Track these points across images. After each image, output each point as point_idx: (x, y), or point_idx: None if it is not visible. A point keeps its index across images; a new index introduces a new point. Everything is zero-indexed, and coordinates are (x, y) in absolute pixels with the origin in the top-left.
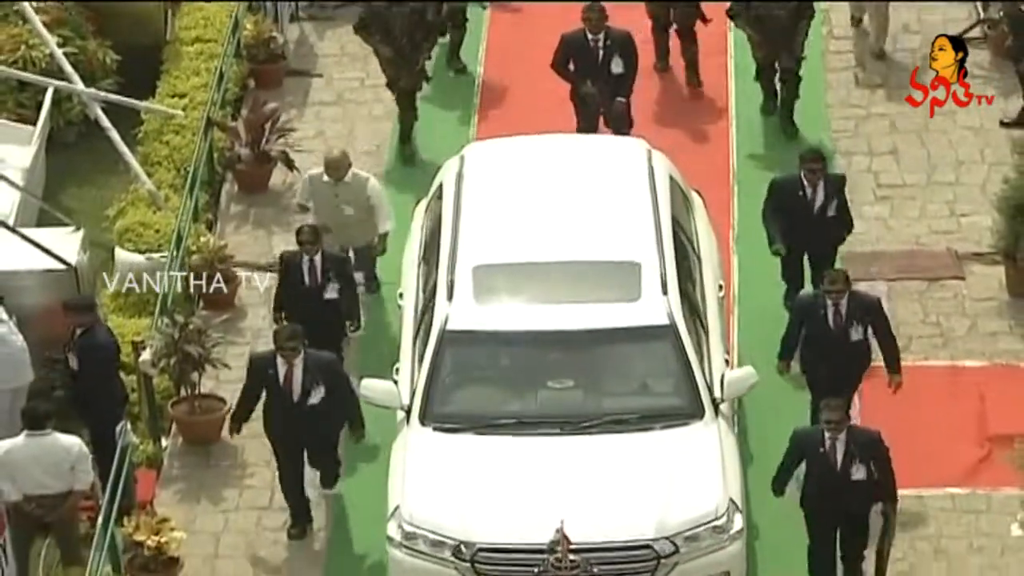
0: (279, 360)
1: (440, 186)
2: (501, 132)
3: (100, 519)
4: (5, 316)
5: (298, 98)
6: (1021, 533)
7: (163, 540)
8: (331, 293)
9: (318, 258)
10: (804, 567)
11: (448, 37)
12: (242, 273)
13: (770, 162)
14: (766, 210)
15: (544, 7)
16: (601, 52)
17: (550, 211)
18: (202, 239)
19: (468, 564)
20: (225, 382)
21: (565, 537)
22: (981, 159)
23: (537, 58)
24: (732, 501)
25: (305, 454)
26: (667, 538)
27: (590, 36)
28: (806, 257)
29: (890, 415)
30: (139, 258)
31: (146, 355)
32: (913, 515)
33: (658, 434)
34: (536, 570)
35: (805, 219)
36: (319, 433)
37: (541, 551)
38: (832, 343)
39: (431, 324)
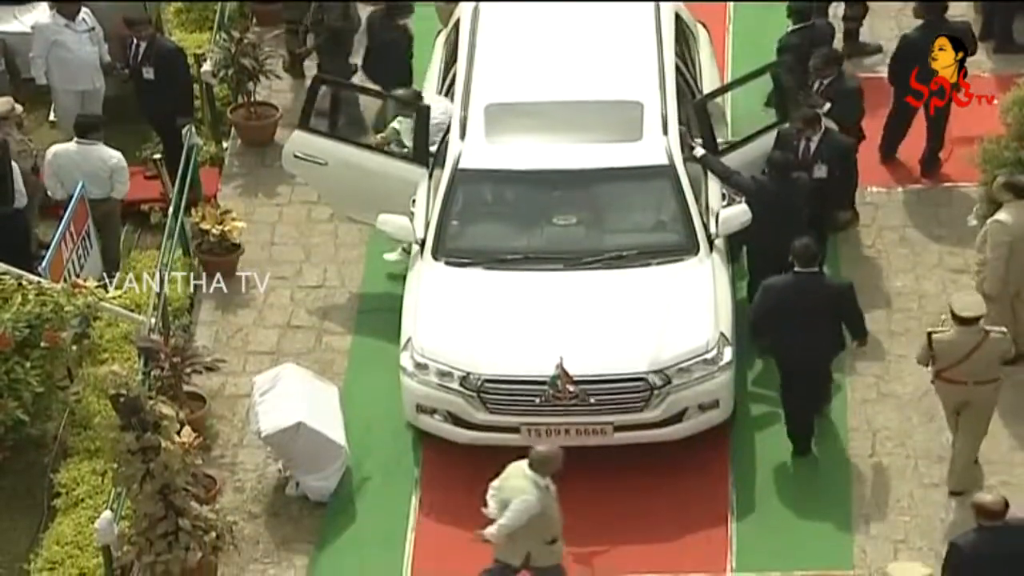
0: None
1: (458, 21)
2: None
3: (171, 210)
4: (89, 22)
5: None
6: (976, 223)
7: (226, 228)
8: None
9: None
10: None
11: None
12: None
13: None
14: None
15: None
16: None
17: (559, 49)
18: None
19: (474, 393)
20: (277, 91)
21: (564, 370)
22: None
23: None
24: (723, 334)
25: None
26: (660, 371)
27: None
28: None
29: (867, 124)
30: None
31: (207, 66)
32: (882, 209)
33: (655, 269)
34: (537, 400)
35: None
36: None
37: (542, 382)
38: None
39: (444, 160)
